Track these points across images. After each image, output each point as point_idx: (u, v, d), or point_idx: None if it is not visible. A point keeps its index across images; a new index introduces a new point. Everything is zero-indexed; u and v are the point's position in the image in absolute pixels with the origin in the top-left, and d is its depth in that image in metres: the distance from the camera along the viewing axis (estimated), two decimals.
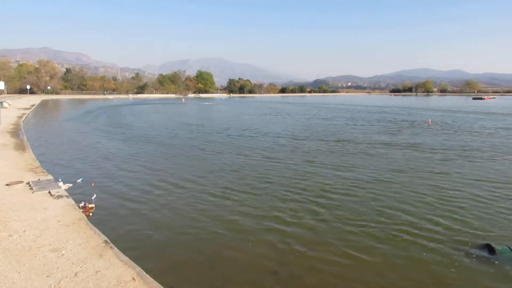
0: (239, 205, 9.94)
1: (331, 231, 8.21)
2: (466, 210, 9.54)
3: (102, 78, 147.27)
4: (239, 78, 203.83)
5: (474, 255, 6.99)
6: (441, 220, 8.78)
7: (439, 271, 6.49)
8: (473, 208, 9.69)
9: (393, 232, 8.11)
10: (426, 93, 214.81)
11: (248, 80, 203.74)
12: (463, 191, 11.21)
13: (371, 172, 13.73)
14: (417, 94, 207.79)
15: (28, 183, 10.53)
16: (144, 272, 5.69)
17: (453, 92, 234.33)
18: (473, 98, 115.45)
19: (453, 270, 6.50)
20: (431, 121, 35.48)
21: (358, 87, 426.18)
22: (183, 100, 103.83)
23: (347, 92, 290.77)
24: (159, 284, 5.44)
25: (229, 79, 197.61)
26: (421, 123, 34.56)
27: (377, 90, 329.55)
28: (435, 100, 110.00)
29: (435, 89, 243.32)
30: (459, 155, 17.35)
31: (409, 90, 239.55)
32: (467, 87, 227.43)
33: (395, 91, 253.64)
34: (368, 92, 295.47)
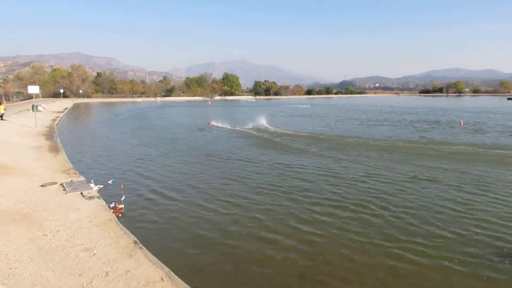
0: (267, 209, 9.91)
1: (359, 234, 8.05)
2: None
3: (131, 81, 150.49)
4: (265, 80, 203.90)
5: None
6: None
7: None
8: None
9: (436, 239, 7.87)
10: (458, 94, 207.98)
11: (274, 82, 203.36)
12: None
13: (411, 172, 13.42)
14: (448, 95, 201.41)
15: (61, 184, 10.88)
16: (172, 273, 5.75)
17: (486, 92, 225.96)
18: (508, 99, 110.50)
19: None
20: (462, 122, 34.33)
21: (386, 88, 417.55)
22: (209, 102, 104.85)
23: (374, 93, 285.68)
24: (186, 285, 5.48)
25: (255, 81, 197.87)
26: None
27: (405, 91, 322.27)
28: (469, 101, 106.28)
29: (467, 90, 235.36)
30: None
31: (440, 90, 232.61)
32: (501, 87, 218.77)
33: (425, 91, 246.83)
34: (396, 93, 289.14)
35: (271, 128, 30.36)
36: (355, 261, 6.88)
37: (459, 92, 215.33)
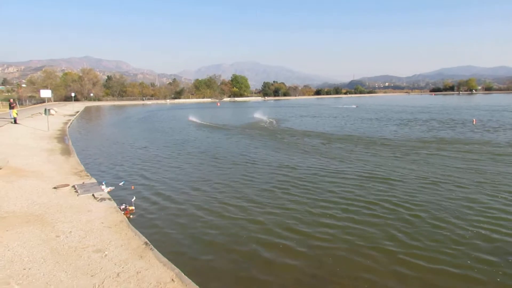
0: (278, 209, 9.91)
1: (372, 236, 8.00)
2: None
3: (141, 84, 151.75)
4: (274, 81, 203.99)
5: None
6: None
7: None
8: None
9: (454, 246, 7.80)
10: (469, 92, 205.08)
11: (283, 83, 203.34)
12: None
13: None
14: (459, 93, 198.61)
15: (73, 186, 11.04)
16: (183, 274, 5.80)
17: (499, 90, 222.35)
18: None
19: None
20: (475, 121, 33.87)
21: (396, 87, 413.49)
22: (218, 104, 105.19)
23: (384, 93, 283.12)
24: (197, 286, 5.52)
25: (264, 82, 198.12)
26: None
27: (416, 90, 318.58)
28: (481, 99, 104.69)
29: (479, 87, 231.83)
30: None
31: (451, 89, 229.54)
32: None
33: (436, 90, 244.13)
34: (406, 92, 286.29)
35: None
36: (369, 267, 6.84)
37: (471, 90, 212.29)
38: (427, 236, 7.83)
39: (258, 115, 47.22)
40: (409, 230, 8.19)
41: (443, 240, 7.65)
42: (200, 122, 40.18)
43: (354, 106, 71.78)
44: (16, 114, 29.38)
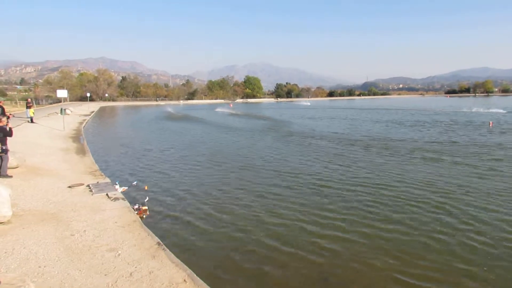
0: (290, 212, 9.88)
1: (383, 240, 7.90)
2: None
3: (155, 85, 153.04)
4: (287, 83, 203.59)
5: None
6: None
7: None
8: None
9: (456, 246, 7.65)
10: (486, 94, 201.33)
11: (296, 85, 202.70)
12: None
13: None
14: (475, 95, 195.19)
15: (88, 185, 11.17)
16: (195, 275, 5.80)
17: None
18: None
19: None
20: (491, 124, 33.21)
21: (410, 89, 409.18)
22: (231, 105, 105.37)
23: (398, 95, 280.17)
24: (208, 287, 5.53)
25: (276, 84, 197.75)
26: None
27: (431, 92, 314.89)
28: (498, 101, 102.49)
29: (496, 89, 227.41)
30: None
31: (467, 91, 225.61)
32: None
33: (451, 92, 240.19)
34: (421, 94, 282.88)
35: None
36: (381, 269, 6.76)
37: (487, 92, 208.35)
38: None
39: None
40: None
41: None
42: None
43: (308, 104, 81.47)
44: (33, 113, 29.93)
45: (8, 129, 11.59)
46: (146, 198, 10.48)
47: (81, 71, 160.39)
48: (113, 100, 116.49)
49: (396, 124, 36.17)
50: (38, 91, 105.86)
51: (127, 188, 11.81)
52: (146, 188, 12.05)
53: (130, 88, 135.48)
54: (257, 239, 7.98)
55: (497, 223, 8.64)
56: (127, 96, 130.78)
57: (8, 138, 11.54)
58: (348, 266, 6.78)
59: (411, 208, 9.79)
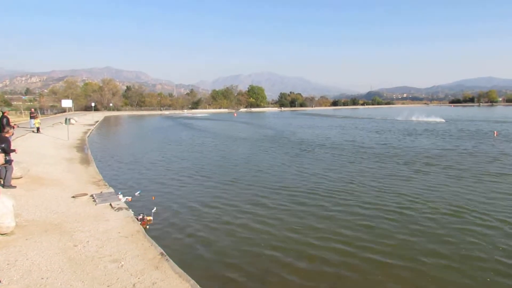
0: (295, 221, 9.82)
1: (393, 247, 7.81)
2: None
3: (159, 94, 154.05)
4: (290, 92, 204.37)
5: None
6: None
7: None
8: None
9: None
10: (490, 103, 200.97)
11: (299, 94, 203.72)
12: None
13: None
14: (479, 105, 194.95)
15: (91, 195, 11.16)
16: (198, 286, 5.75)
17: None
18: None
19: None
20: (496, 133, 33.05)
21: (414, 99, 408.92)
22: (235, 114, 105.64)
23: (402, 104, 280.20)
24: None
25: (280, 93, 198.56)
26: None
27: (435, 101, 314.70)
28: (502, 111, 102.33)
29: (500, 99, 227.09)
30: None
31: (471, 100, 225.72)
32: None
33: (455, 101, 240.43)
34: (425, 103, 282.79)
35: None
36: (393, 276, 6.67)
37: (491, 101, 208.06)
38: None
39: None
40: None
41: None
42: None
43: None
44: (39, 124, 30.19)
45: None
46: (153, 208, 10.43)
47: (86, 81, 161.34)
48: (118, 110, 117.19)
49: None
50: (43, 101, 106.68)
51: (131, 197, 11.77)
52: (153, 198, 11.97)
53: (134, 97, 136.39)
54: (263, 251, 7.89)
55: None
56: (132, 105, 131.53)
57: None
58: (356, 275, 6.70)
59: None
